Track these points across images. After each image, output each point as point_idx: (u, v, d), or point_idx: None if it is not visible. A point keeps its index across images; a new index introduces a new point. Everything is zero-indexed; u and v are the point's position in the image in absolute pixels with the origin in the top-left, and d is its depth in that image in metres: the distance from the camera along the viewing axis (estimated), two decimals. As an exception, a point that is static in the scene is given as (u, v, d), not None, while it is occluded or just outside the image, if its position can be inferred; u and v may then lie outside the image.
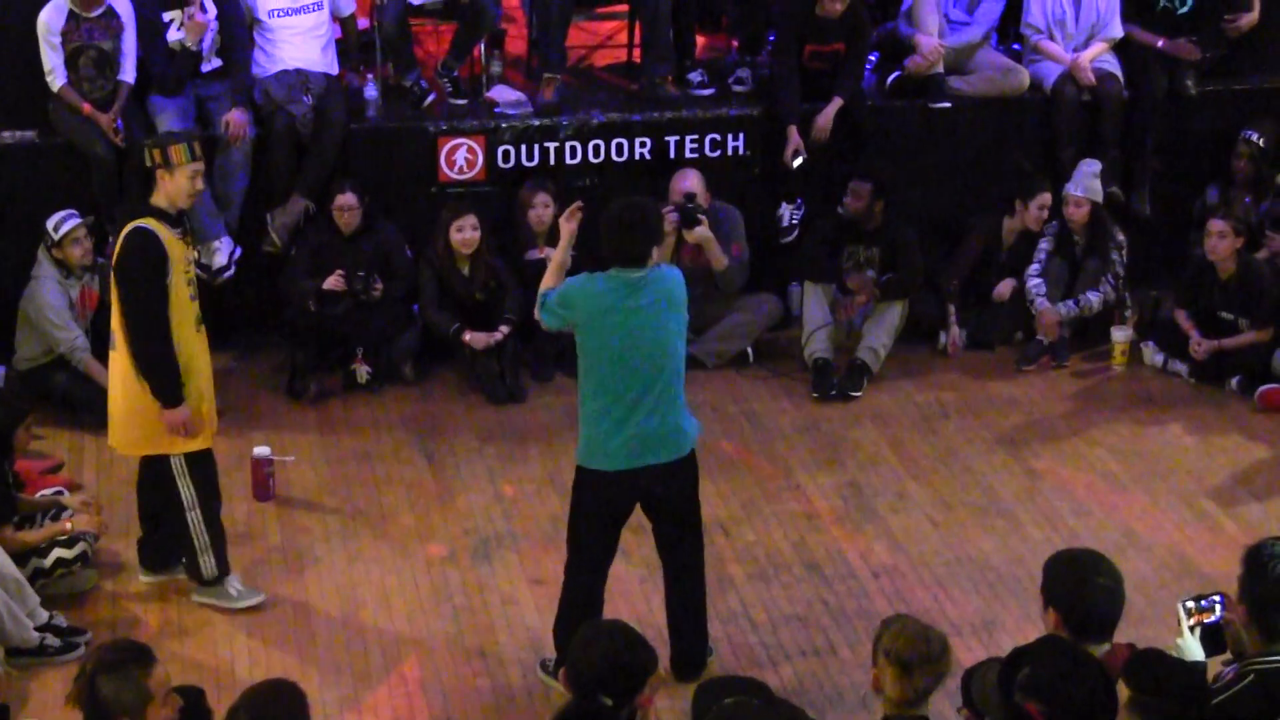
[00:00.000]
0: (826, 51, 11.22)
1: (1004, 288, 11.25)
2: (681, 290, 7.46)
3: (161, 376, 7.95)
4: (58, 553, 8.39)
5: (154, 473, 8.30)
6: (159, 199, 7.92)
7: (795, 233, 11.34)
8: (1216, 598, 6.21)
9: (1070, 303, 11.05)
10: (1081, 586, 5.88)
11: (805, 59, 11.23)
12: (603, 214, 7.39)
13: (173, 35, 10.56)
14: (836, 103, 11.12)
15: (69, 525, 8.45)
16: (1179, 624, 6.21)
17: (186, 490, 8.19)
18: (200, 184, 8.01)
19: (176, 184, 7.88)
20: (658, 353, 7.38)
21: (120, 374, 8.08)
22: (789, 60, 11.20)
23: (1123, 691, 5.81)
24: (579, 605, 7.65)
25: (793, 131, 11.09)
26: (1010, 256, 11.30)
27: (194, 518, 8.23)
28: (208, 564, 8.35)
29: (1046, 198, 11.10)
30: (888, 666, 5.59)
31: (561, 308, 7.42)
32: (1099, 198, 11.04)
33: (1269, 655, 5.81)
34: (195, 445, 8.14)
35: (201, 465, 8.22)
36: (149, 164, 7.91)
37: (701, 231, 10.51)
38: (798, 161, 11.09)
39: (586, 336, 7.38)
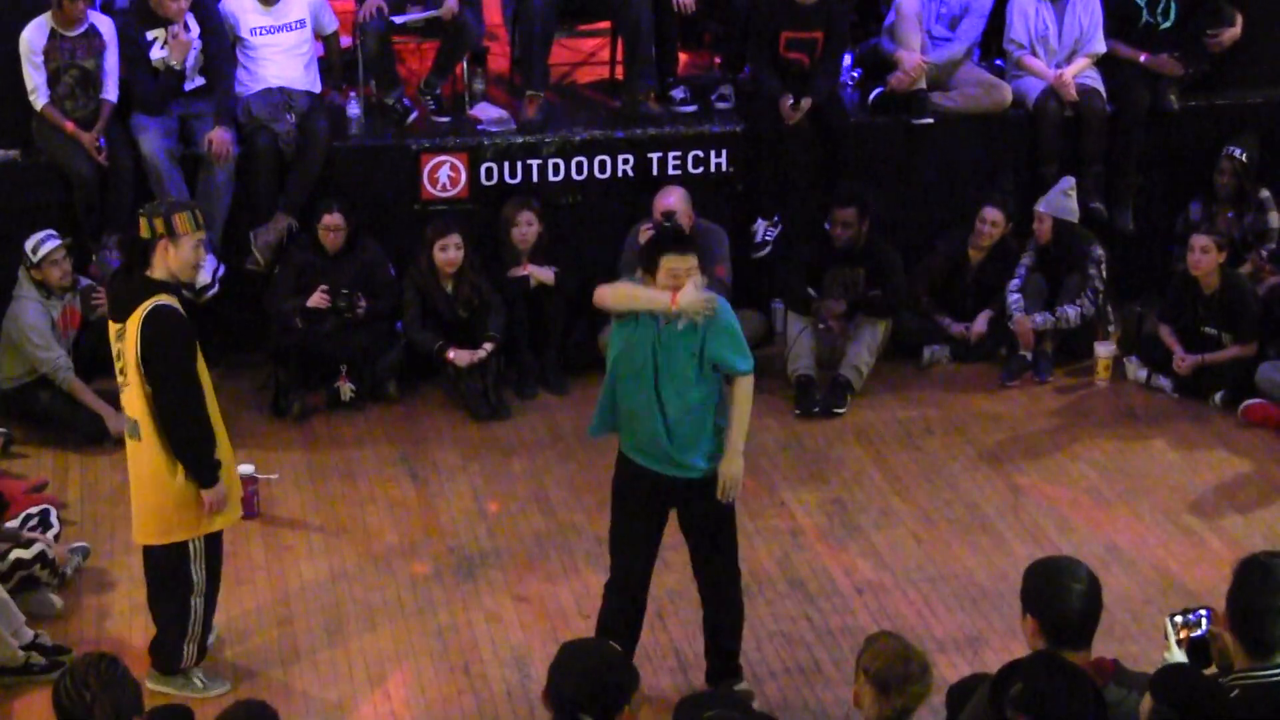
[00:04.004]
0: (805, 39, 11.18)
1: (975, 333, 11.25)
2: None
3: (203, 458, 7.47)
4: (16, 554, 8.36)
5: (164, 557, 7.69)
6: (159, 273, 7.28)
7: (768, 249, 11.32)
8: (1203, 612, 6.19)
9: (1047, 314, 11.05)
10: (1058, 591, 5.87)
11: (782, 48, 11.20)
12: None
13: (156, 54, 10.56)
14: (807, 103, 11.08)
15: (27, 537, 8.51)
16: (1166, 638, 6.21)
17: (198, 574, 7.66)
18: (203, 253, 7.48)
19: (180, 256, 7.26)
20: None
21: (147, 465, 7.51)
22: (764, 51, 11.18)
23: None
24: None
25: (783, 100, 11.08)
26: (978, 272, 11.30)
27: (197, 604, 7.71)
28: (190, 651, 7.85)
29: (988, 212, 11.09)
30: (866, 685, 5.58)
31: None
32: (1066, 215, 11.01)
33: (1255, 671, 5.79)
34: (224, 521, 7.70)
35: (215, 548, 7.76)
36: (149, 235, 7.24)
37: None
38: (791, 103, 11.06)
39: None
